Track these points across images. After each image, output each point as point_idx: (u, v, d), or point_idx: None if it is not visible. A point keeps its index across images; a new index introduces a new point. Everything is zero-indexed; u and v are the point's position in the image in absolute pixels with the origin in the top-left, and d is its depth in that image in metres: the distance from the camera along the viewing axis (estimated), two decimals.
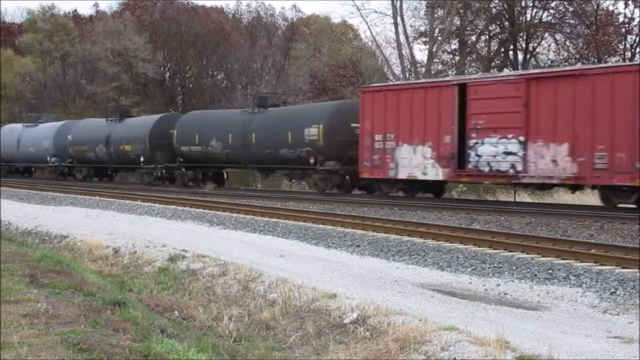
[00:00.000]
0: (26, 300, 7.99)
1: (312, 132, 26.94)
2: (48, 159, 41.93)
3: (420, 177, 23.29)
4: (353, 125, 25.87)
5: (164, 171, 34.35)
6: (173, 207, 22.61)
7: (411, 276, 10.96)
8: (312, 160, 26.88)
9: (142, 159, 35.02)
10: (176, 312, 9.29)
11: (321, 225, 17.03)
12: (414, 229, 15.71)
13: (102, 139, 37.69)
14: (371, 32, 74.57)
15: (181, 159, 33.57)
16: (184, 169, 33.57)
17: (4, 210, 20.57)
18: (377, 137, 24.32)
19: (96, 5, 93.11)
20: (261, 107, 30.75)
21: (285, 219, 18.50)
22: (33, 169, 47.92)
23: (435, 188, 25.07)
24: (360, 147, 24.86)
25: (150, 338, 6.90)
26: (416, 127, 23.25)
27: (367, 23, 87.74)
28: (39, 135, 43.55)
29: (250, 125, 29.93)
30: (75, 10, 66.59)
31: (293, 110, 30.93)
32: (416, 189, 24.77)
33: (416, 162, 23.24)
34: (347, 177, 26.29)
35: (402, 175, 23.75)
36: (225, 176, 35.20)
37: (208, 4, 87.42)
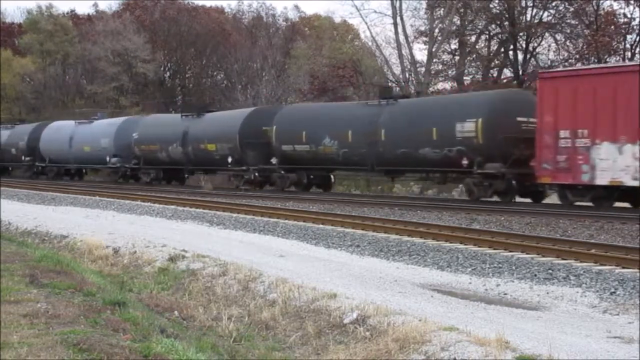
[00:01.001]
0: (26, 300, 7.99)
1: (468, 127, 22.36)
2: (107, 159, 37.45)
3: (630, 182, 18.89)
4: (520, 119, 21.82)
5: (257, 174, 29.56)
6: (173, 207, 22.60)
7: (411, 276, 10.96)
8: (465, 162, 22.55)
9: (230, 159, 30.13)
10: (176, 312, 9.30)
11: (321, 225, 17.02)
12: (414, 229, 15.70)
13: (178, 136, 33.05)
14: (371, 32, 74.57)
15: (275, 161, 28.97)
16: (283, 172, 28.65)
17: (4, 210, 20.57)
18: (563, 133, 19.93)
19: (95, 5, 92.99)
20: (389, 99, 26.08)
21: (285, 219, 18.49)
22: (85, 171, 44.07)
23: (638, 197, 20.00)
24: (538, 146, 20.44)
25: (150, 338, 6.90)
26: (623, 121, 18.94)
27: (366, 23, 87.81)
28: (96, 133, 38.98)
29: (378, 120, 25.07)
30: (73, 10, 66.57)
31: (437, 102, 26.65)
32: (615, 198, 20.27)
33: (623, 164, 18.94)
34: (513, 181, 21.91)
35: (602, 180, 19.28)
36: (333, 180, 30.35)
37: (208, 4, 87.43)
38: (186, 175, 36.55)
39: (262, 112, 31.36)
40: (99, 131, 38.81)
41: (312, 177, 28.67)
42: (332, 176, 29.70)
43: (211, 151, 31.25)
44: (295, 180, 28.55)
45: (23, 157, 44.47)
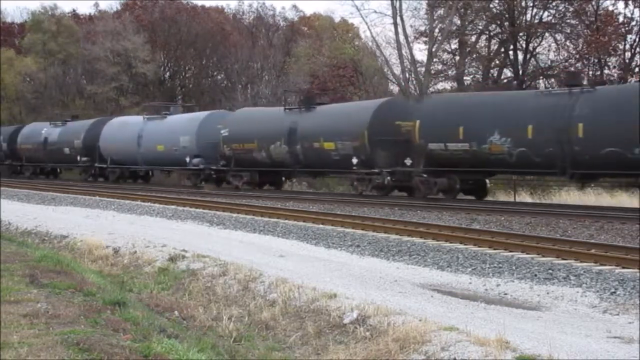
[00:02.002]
0: (26, 300, 7.99)
1: None
2: (187, 160, 32.36)
3: None
4: None
5: (389, 178, 24.54)
6: (173, 207, 22.60)
7: (411, 276, 10.96)
8: None
9: (355, 160, 25.25)
10: (176, 312, 9.30)
11: (321, 225, 17.02)
12: (414, 229, 15.70)
13: (281, 133, 28.19)
14: (371, 32, 74.56)
15: (409, 162, 24.18)
16: (425, 175, 23.48)
17: (4, 210, 20.57)
18: None
19: (96, 5, 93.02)
20: (582, 86, 21.29)
21: (285, 219, 18.49)
22: (151, 173, 38.87)
23: None
24: None
25: (150, 338, 6.90)
26: None
27: (366, 23, 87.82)
28: (172, 129, 33.95)
29: (571, 112, 20.13)
30: (74, 11, 66.57)
31: None
32: None
33: None
34: None
35: None
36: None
37: (208, 4, 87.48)
38: (286, 177, 31.98)
39: (396, 103, 26.67)
40: (177, 128, 33.75)
41: (466, 182, 23.54)
42: (487, 181, 24.61)
43: (328, 150, 26.29)
44: (445, 186, 23.17)
45: (79, 158, 39.89)
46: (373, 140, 24.67)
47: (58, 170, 45.81)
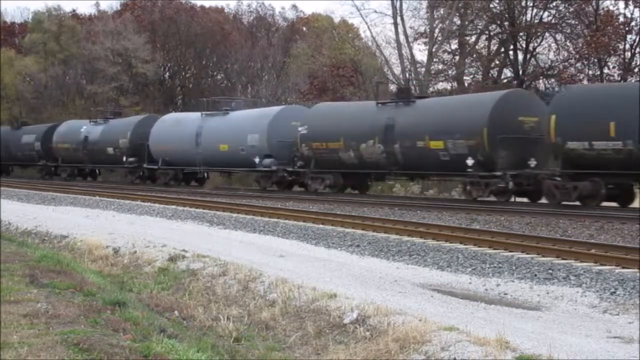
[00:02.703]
0: (26, 300, 7.98)
1: None
2: (257, 161, 29.02)
3: None
4: None
5: (511, 181, 21.63)
6: (173, 207, 22.60)
7: (411, 276, 10.97)
8: None
9: (470, 161, 22.15)
10: (176, 312, 9.29)
11: (321, 225, 17.03)
12: (414, 229, 15.71)
13: (376, 131, 25.04)
14: (371, 32, 74.60)
15: (533, 163, 21.75)
16: (559, 178, 20.55)
17: (4, 210, 20.57)
18: None
19: (97, 4, 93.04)
20: None
21: (285, 219, 18.50)
22: (206, 174, 34.86)
23: None
24: None
25: (150, 338, 6.90)
26: None
27: (367, 23, 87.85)
28: (238, 127, 30.63)
29: None
30: (74, 10, 66.59)
31: None
32: None
33: None
34: None
35: None
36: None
37: (207, 4, 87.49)
38: (380, 178, 28.18)
39: (519, 96, 24.06)
40: (243, 125, 30.32)
41: (611, 186, 20.30)
42: (635, 187, 21.05)
43: (435, 150, 23.19)
44: (589, 190, 19.87)
45: (125, 158, 36.58)
46: (495, 139, 21.73)
47: (97, 171, 43.22)
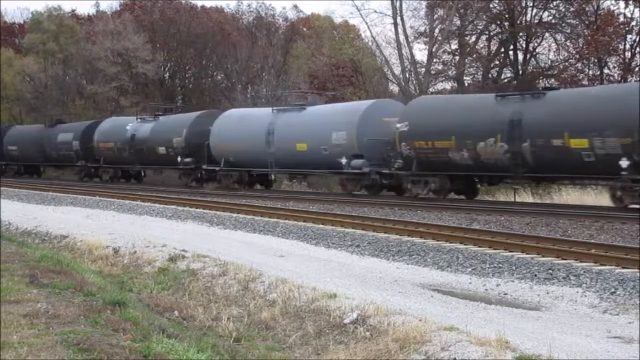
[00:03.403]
0: (26, 300, 7.98)
1: None
2: (343, 162, 25.47)
3: None
4: None
5: None
6: (173, 207, 22.60)
7: (411, 276, 10.97)
8: None
9: (624, 162, 18.84)
10: (176, 312, 9.30)
11: (321, 225, 17.03)
12: (414, 229, 15.71)
13: (498, 127, 21.49)
14: (371, 32, 74.58)
15: None
16: None
17: (4, 210, 20.56)
18: None
19: (97, 4, 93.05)
20: None
21: (285, 219, 18.49)
22: (273, 177, 31.76)
23: None
24: None
25: (150, 338, 6.90)
26: None
27: (367, 23, 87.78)
28: (319, 123, 27.02)
29: None
30: (74, 11, 66.61)
31: None
32: None
33: None
34: None
35: None
36: None
37: (207, 4, 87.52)
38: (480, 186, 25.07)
39: None
40: (326, 121, 26.76)
41: None
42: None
43: (577, 149, 19.71)
44: None
45: (179, 159, 32.96)
46: None
47: (143, 173, 39.06)
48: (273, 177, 31.51)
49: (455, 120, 22.75)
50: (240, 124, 30.34)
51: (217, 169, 30.94)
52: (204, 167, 31.83)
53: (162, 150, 34.17)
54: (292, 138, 27.53)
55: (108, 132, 38.28)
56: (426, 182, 23.55)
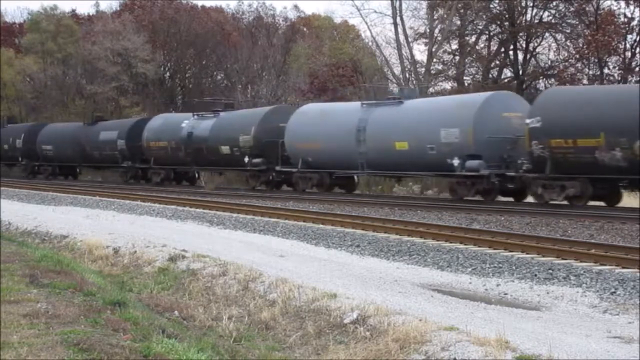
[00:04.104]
0: (26, 300, 7.98)
1: None
2: (455, 163, 22.40)
3: None
4: None
5: None
6: (173, 207, 22.60)
7: (411, 276, 10.97)
8: None
9: None
10: (176, 312, 9.30)
11: (321, 225, 17.03)
12: (414, 229, 15.71)
13: None
14: (371, 32, 74.57)
15: None
16: None
17: (4, 210, 20.57)
18: None
19: (97, 4, 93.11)
20: None
21: (285, 219, 18.50)
22: (356, 179, 28.46)
23: None
24: None
25: (150, 338, 6.90)
26: None
27: (366, 23, 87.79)
28: (423, 119, 23.79)
29: None
30: (74, 11, 66.63)
31: None
32: None
33: None
34: None
35: None
36: None
37: (207, 4, 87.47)
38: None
39: None
40: (433, 117, 23.55)
41: None
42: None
43: None
44: None
45: (247, 159, 29.53)
46: None
47: (197, 175, 35.61)
48: (357, 179, 28.57)
49: (605, 114, 19.35)
50: (323, 120, 27.21)
51: (294, 170, 27.77)
52: (278, 168, 28.54)
53: (225, 149, 30.74)
54: (389, 136, 24.28)
55: (160, 130, 34.87)
56: (562, 187, 20.40)
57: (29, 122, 49.20)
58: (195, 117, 33.68)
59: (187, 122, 33.67)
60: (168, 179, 35.12)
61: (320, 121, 27.23)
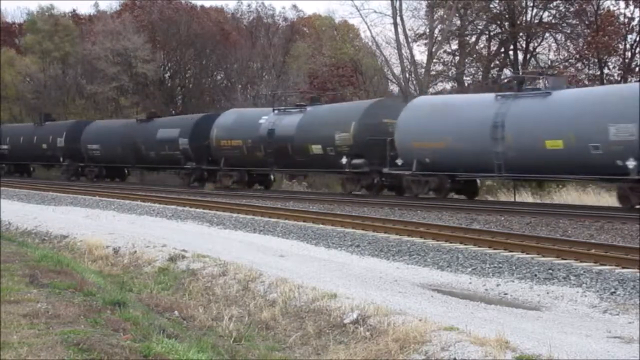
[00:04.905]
0: (26, 300, 7.98)
1: None
2: (630, 165, 18.60)
3: None
4: None
5: None
6: (173, 207, 22.60)
7: (411, 276, 10.97)
8: None
9: None
10: (176, 312, 9.29)
11: (321, 225, 17.03)
12: (414, 229, 15.71)
13: None
14: (371, 33, 74.59)
15: None
16: None
17: (4, 210, 20.56)
18: None
19: (96, 4, 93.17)
20: None
21: (285, 219, 18.50)
22: (478, 181, 24.75)
23: None
24: None
25: (150, 338, 6.90)
26: None
27: (366, 23, 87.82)
28: (578, 112, 19.91)
29: None
30: (74, 11, 66.67)
31: None
32: None
33: None
34: None
35: None
36: None
37: (207, 4, 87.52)
38: None
39: None
40: (595, 110, 19.60)
41: None
42: None
43: None
44: None
45: (344, 160, 25.58)
46: None
47: (272, 177, 32.21)
48: (479, 182, 25.02)
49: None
50: (445, 115, 23.30)
51: (406, 173, 23.69)
52: (386, 170, 24.68)
53: (316, 149, 26.84)
54: (537, 133, 20.51)
55: (232, 127, 30.66)
56: None
57: (70, 120, 45.87)
58: (276, 112, 29.81)
59: (266, 118, 29.63)
60: (241, 181, 30.92)
61: (443, 116, 23.30)
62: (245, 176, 30.87)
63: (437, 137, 22.89)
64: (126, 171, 40.48)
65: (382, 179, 25.37)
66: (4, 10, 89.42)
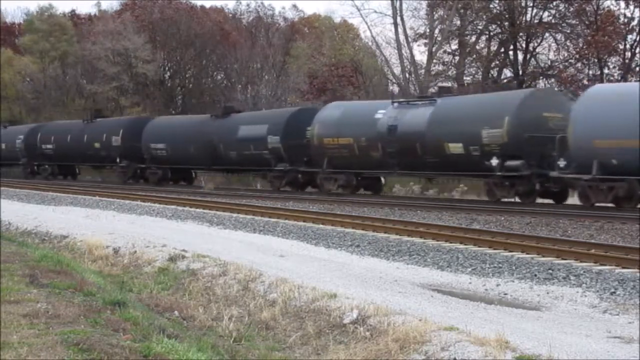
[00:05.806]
0: (26, 300, 7.98)
1: None
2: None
3: None
4: None
5: None
6: (173, 207, 22.59)
7: (411, 276, 10.97)
8: None
9: None
10: (176, 312, 9.29)
11: (321, 225, 17.02)
12: (414, 229, 15.71)
13: None
14: (371, 33, 74.59)
15: None
16: None
17: (4, 210, 20.56)
18: None
19: (98, 4, 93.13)
20: None
21: (285, 219, 18.49)
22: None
23: None
24: None
25: (150, 338, 6.89)
26: None
27: (366, 23, 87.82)
28: None
29: None
30: (74, 11, 66.67)
31: None
32: None
33: None
34: None
35: None
36: None
37: (207, 4, 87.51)
38: None
39: None
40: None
41: None
42: None
43: None
44: None
45: (494, 161, 21.28)
46: None
47: (382, 179, 28.27)
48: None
49: None
50: (609, 104, 19.31)
51: (585, 177, 19.43)
52: (554, 174, 20.36)
53: (456, 148, 22.60)
54: None
55: (340, 123, 26.43)
56: None
57: (128, 116, 42.13)
58: (396, 105, 25.43)
59: (383, 112, 25.29)
60: (349, 185, 26.60)
61: (602, 106, 19.38)
62: (354, 179, 26.62)
63: (631, 133, 18.37)
64: (193, 174, 36.56)
65: (546, 184, 21.23)
66: (3, 10, 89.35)
